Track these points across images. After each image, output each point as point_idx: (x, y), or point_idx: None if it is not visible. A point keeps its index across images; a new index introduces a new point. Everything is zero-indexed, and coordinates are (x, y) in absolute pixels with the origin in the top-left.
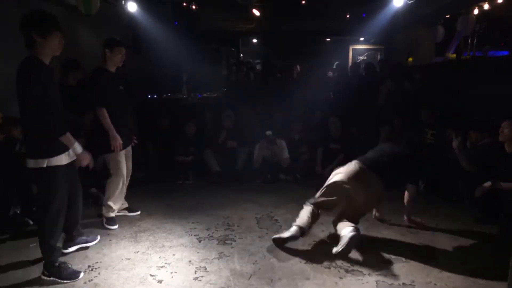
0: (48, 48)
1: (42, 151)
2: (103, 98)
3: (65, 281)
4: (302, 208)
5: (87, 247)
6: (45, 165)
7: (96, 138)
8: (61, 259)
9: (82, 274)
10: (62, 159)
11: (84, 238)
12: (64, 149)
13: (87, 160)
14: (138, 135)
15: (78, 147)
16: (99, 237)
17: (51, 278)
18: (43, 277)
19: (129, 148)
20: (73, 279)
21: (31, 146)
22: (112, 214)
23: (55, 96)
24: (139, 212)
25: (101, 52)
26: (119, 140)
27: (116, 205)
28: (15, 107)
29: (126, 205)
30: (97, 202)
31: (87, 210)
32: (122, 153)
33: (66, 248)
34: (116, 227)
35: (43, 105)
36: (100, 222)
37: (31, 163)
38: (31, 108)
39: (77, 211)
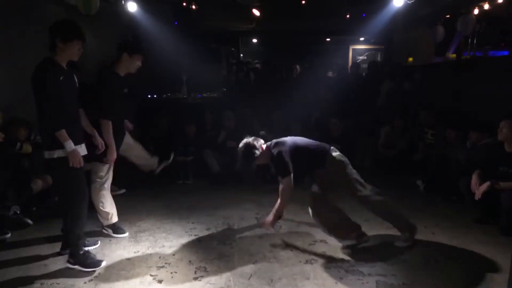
0: (66, 53)
1: (54, 142)
2: (112, 110)
3: (88, 269)
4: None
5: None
6: (55, 156)
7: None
8: (59, 260)
9: (104, 263)
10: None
11: (84, 241)
12: (76, 141)
13: (75, 159)
14: (138, 132)
15: (69, 145)
16: (99, 242)
17: (76, 266)
18: (69, 265)
19: (127, 139)
20: (96, 267)
21: (45, 138)
22: (115, 219)
23: (68, 96)
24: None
25: (108, 52)
26: (114, 156)
27: (112, 209)
28: (22, 108)
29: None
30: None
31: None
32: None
33: (65, 250)
34: (126, 234)
35: (50, 102)
36: (105, 232)
37: (46, 154)
38: (43, 102)
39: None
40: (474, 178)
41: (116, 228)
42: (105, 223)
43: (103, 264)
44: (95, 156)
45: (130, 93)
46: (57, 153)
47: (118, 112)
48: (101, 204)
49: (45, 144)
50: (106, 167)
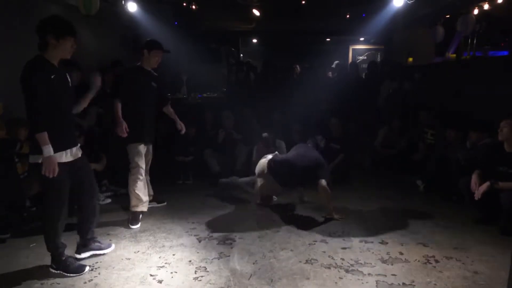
0: (59, 50)
1: (38, 147)
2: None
3: (71, 275)
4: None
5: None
6: (40, 161)
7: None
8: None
9: (87, 268)
10: (61, 157)
11: (97, 244)
12: (62, 147)
13: (50, 167)
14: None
15: (47, 150)
16: (113, 246)
17: (59, 271)
18: (51, 270)
19: (150, 146)
20: (79, 273)
21: (32, 141)
22: (141, 207)
23: (59, 96)
24: (165, 203)
25: (108, 52)
26: (123, 126)
27: (144, 196)
28: (22, 108)
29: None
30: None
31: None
32: (142, 146)
33: (80, 253)
34: (138, 225)
35: (36, 102)
36: (127, 220)
37: (31, 158)
38: (30, 102)
39: (89, 214)
40: (474, 178)
41: (133, 217)
42: (132, 203)
43: (87, 269)
44: (126, 141)
45: (159, 90)
46: (43, 158)
47: (144, 100)
48: (132, 187)
49: (33, 147)
50: (133, 149)
